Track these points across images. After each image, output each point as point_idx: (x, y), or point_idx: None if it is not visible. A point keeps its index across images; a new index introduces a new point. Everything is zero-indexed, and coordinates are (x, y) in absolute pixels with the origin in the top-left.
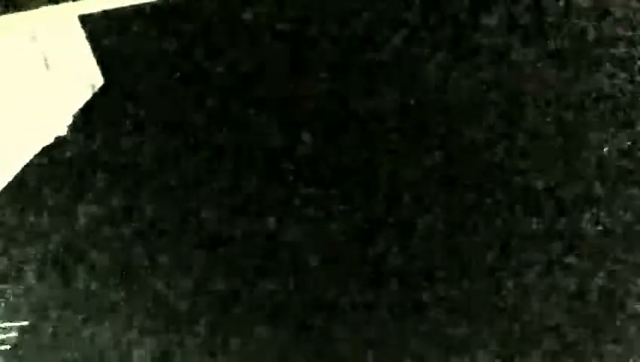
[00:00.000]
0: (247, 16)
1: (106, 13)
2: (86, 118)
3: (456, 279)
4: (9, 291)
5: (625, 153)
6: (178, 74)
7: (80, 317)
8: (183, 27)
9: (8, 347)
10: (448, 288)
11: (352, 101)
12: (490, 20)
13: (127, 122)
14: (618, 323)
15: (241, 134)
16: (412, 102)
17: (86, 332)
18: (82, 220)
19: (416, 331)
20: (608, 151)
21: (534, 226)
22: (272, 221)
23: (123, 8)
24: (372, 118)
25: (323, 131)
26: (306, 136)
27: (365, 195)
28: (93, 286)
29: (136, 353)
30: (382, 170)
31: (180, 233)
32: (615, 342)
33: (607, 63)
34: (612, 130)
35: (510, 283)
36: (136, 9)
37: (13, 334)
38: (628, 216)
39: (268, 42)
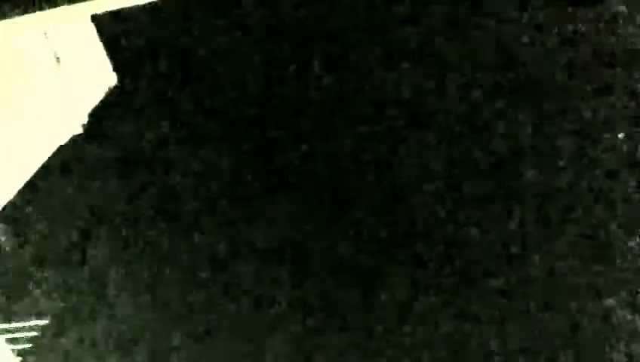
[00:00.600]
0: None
1: (118, 12)
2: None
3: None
4: (31, 289)
5: None
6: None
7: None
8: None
9: (29, 345)
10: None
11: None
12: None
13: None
14: None
15: (243, 130)
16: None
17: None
18: (97, 218)
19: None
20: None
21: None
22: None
23: (136, 6)
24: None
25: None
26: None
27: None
28: (111, 284)
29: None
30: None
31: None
32: None
33: None
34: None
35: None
36: (149, 7)
37: (33, 333)
38: None
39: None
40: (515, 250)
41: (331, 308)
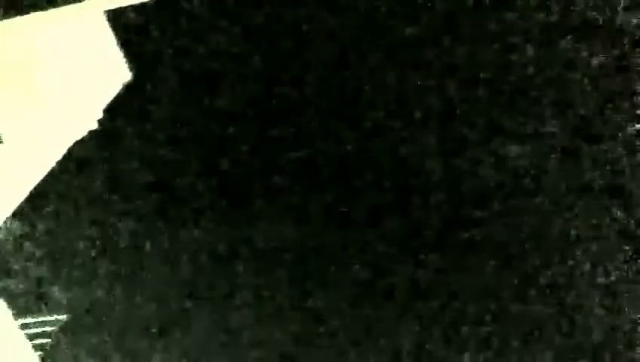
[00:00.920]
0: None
1: (132, 8)
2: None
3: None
4: (47, 285)
5: None
6: None
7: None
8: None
9: (47, 340)
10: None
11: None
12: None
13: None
14: None
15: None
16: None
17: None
18: (115, 215)
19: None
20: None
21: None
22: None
23: (148, 2)
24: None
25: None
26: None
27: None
28: (125, 278)
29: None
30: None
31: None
32: None
33: None
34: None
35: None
36: (160, 3)
37: (53, 328)
38: None
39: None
40: (514, 249)
41: (331, 307)
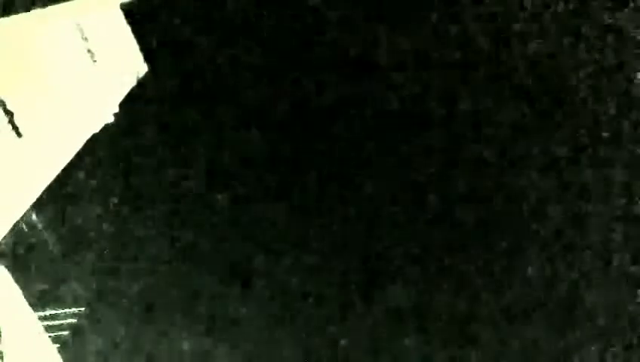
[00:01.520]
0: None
1: (147, 1)
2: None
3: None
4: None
5: None
6: None
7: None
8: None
9: (66, 333)
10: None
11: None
12: None
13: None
14: None
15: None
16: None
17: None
18: (135, 206)
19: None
20: None
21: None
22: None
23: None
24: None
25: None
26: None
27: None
28: (148, 268)
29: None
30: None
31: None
32: None
33: None
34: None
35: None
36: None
37: (71, 320)
38: None
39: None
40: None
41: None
